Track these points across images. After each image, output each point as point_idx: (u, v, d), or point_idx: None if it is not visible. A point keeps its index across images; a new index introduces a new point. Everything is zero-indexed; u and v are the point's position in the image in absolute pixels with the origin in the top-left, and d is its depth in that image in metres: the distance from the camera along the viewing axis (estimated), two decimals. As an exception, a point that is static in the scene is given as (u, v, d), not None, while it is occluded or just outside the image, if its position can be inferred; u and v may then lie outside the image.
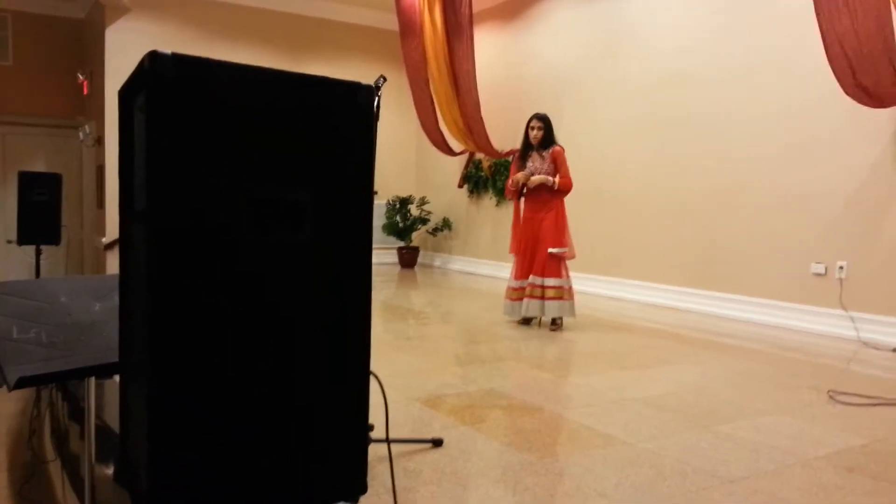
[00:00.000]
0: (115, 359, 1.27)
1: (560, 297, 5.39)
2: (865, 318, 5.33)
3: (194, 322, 0.98)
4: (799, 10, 5.46)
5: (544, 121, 5.48)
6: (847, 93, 5.10)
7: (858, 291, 5.41)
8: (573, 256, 5.49)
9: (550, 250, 5.36)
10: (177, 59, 0.93)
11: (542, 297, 5.38)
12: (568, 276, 5.47)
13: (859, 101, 5.10)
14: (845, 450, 2.90)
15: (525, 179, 5.44)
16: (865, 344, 5.15)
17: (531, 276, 5.43)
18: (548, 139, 5.47)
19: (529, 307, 5.42)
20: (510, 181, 5.61)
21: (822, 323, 5.58)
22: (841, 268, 5.52)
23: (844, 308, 5.44)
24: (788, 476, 2.59)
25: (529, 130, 5.50)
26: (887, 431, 3.15)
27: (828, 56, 5.06)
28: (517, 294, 5.55)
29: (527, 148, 5.54)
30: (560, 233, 5.43)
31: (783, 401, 3.64)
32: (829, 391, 3.76)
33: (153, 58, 0.92)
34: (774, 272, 6.00)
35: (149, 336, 0.94)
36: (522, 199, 5.66)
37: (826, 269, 5.63)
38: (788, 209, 5.91)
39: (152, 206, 0.94)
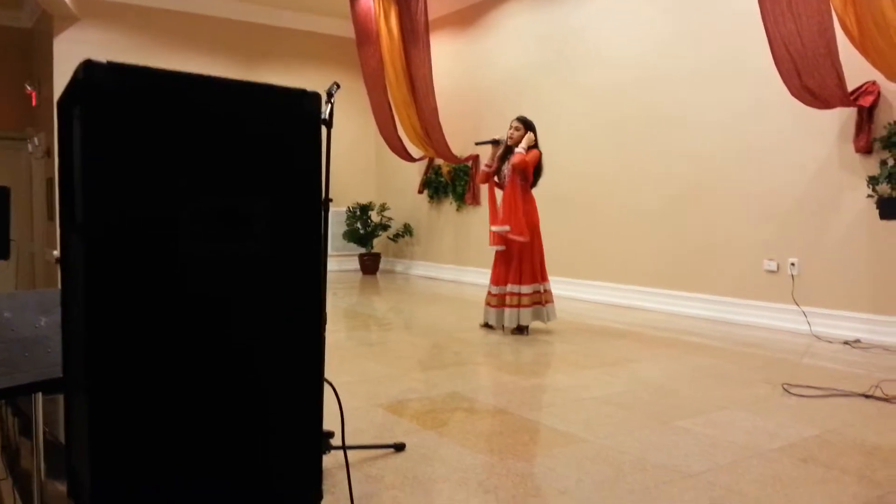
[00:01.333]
0: (61, 374, 1.24)
1: (538, 303, 5.39)
2: (817, 313, 5.47)
3: (134, 333, 0.97)
4: (747, 13, 5.60)
5: (525, 124, 5.46)
6: (793, 94, 5.25)
7: (810, 287, 5.56)
8: (522, 236, 5.30)
9: (492, 228, 5.37)
10: (112, 67, 0.91)
11: (519, 306, 5.36)
12: (546, 280, 5.48)
13: (805, 102, 5.24)
14: (799, 441, 2.97)
15: (493, 159, 5.55)
16: (818, 337, 5.28)
17: (509, 285, 5.39)
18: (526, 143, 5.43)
19: (510, 317, 5.37)
20: (485, 165, 5.67)
21: (776, 318, 5.71)
22: (793, 264, 5.66)
23: (797, 303, 5.58)
24: (745, 468, 2.65)
25: (508, 130, 5.51)
26: (839, 422, 3.24)
27: (774, 58, 5.19)
28: (496, 300, 5.50)
29: (507, 150, 5.54)
30: (506, 217, 5.34)
31: (739, 395, 3.72)
32: (783, 384, 3.85)
33: (87, 67, 0.90)
34: (729, 270, 6.13)
35: (85, 349, 0.92)
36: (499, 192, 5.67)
37: (778, 266, 5.77)
38: (741, 209, 6.04)
39: (88, 218, 0.91)
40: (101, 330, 0.94)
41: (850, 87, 5.05)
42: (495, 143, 5.58)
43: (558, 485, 2.49)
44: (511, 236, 5.34)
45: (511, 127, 5.49)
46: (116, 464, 0.98)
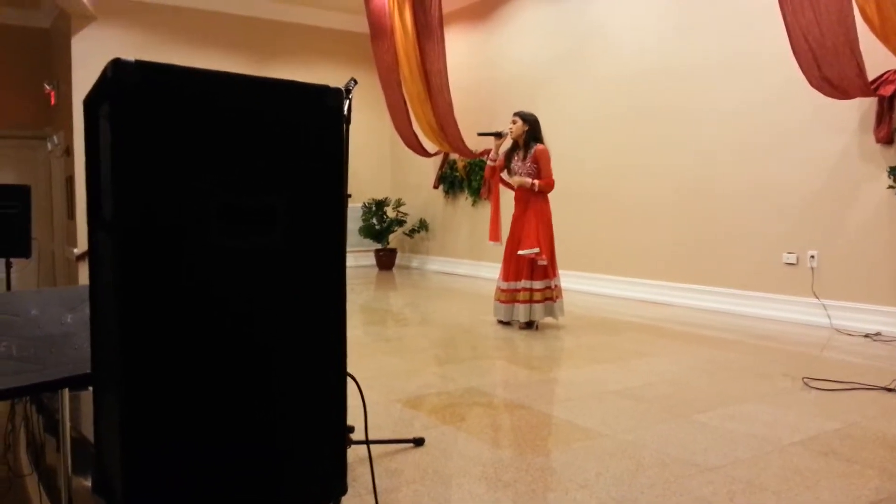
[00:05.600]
0: (88, 370, 1.26)
1: (549, 299, 5.36)
2: (837, 306, 5.42)
3: (165, 330, 0.98)
4: (763, 3, 5.55)
5: (521, 117, 5.40)
6: (813, 85, 5.19)
7: (830, 280, 5.51)
8: (545, 259, 5.31)
9: (519, 252, 5.33)
10: (140, 65, 0.93)
11: (531, 301, 5.34)
12: (556, 276, 5.45)
13: (825, 93, 5.19)
14: (820, 434, 2.95)
15: (496, 152, 5.52)
16: (838, 331, 5.24)
17: (522, 281, 5.36)
18: (529, 138, 5.39)
19: (523, 312, 5.35)
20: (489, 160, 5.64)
21: (796, 311, 5.67)
22: (812, 257, 5.61)
23: (817, 296, 5.53)
24: (765, 462, 2.63)
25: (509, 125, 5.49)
26: (860, 415, 3.22)
27: (793, 49, 5.14)
28: (506, 296, 5.47)
29: (514, 147, 5.52)
30: (533, 234, 5.31)
31: (759, 389, 3.70)
32: (803, 378, 3.82)
33: (116, 65, 0.92)
34: (748, 263, 6.08)
35: (119, 346, 0.94)
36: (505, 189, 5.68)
37: (798, 258, 5.72)
38: (759, 201, 5.99)
39: (118, 215, 0.93)
40: (135, 328, 0.95)
41: (871, 76, 4.99)
42: (498, 135, 5.53)
43: (578, 479, 2.49)
44: (539, 260, 5.30)
45: (511, 122, 5.46)
46: (148, 461, 0.99)
